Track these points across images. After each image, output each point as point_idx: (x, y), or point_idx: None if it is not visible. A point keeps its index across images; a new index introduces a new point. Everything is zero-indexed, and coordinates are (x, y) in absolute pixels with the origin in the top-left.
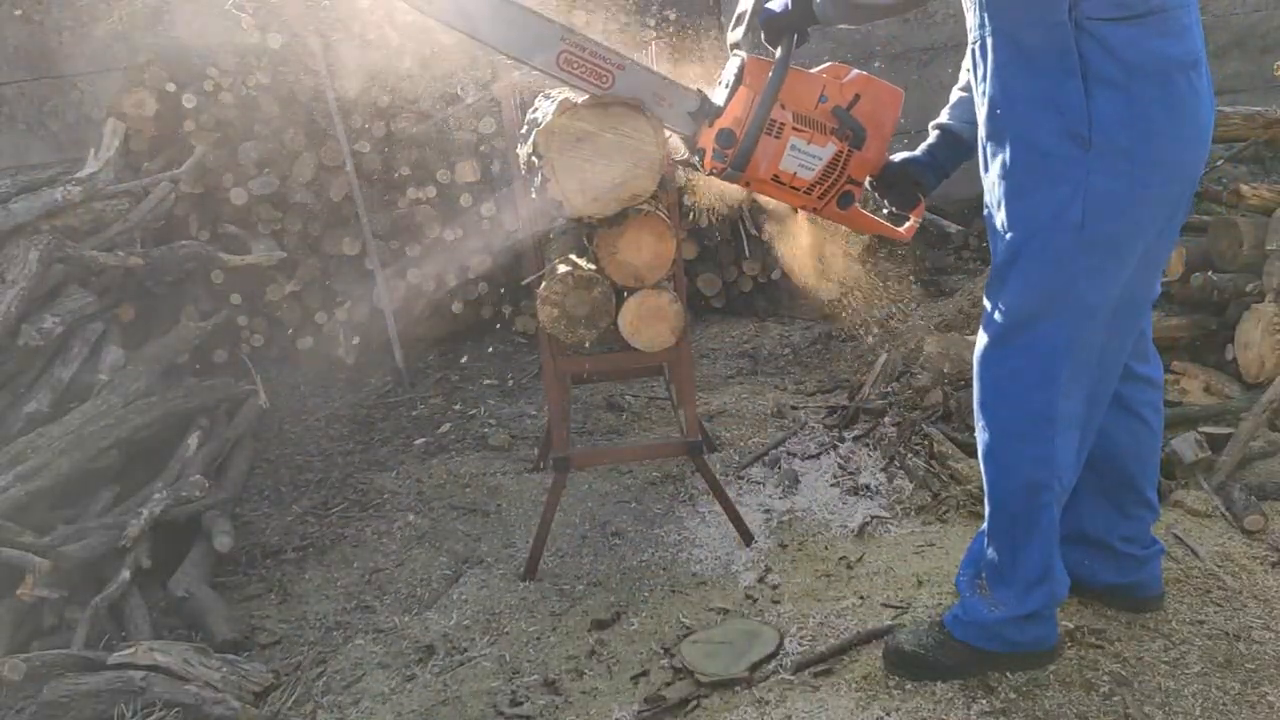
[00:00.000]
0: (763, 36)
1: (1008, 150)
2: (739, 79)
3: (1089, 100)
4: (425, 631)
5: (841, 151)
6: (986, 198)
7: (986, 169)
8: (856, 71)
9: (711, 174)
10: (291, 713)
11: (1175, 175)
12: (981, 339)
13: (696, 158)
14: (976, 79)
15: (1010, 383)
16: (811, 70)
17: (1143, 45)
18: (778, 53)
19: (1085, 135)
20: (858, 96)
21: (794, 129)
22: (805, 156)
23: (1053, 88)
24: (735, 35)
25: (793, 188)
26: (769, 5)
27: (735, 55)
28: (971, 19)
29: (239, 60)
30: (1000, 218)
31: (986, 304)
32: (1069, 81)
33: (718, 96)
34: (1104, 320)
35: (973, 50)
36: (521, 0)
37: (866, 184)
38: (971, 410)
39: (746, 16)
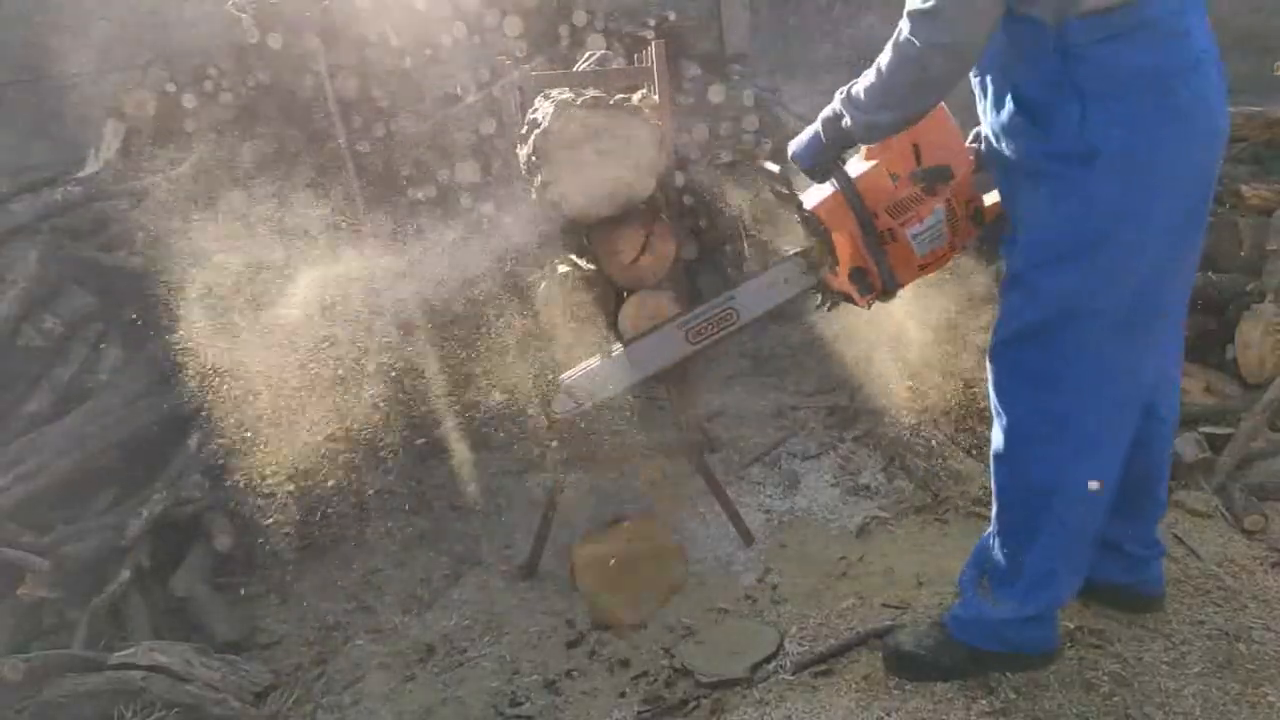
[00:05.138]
0: (811, 180)
1: (1015, 173)
2: (826, 230)
3: (1086, 119)
4: (425, 631)
5: (947, 200)
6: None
7: (996, 185)
8: None
9: (873, 304)
10: (291, 713)
11: (1185, 182)
12: (995, 341)
13: (839, 300)
14: (981, 110)
15: (1022, 385)
16: (865, 166)
17: (1133, 60)
18: (832, 182)
19: (1087, 152)
20: (916, 146)
21: (901, 224)
22: (929, 231)
23: (1051, 113)
24: (786, 193)
25: (942, 257)
26: (794, 157)
27: (800, 214)
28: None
29: (239, 60)
30: (1016, 230)
31: (1001, 307)
32: (1066, 104)
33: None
34: (1121, 327)
35: (977, 83)
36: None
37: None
38: (969, 412)
39: (779, 174)
